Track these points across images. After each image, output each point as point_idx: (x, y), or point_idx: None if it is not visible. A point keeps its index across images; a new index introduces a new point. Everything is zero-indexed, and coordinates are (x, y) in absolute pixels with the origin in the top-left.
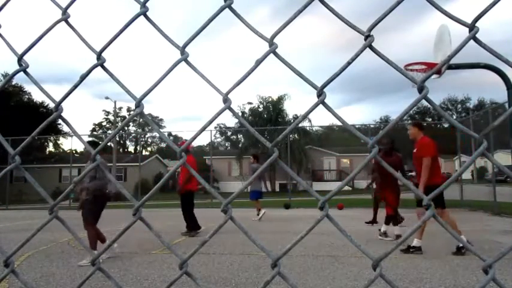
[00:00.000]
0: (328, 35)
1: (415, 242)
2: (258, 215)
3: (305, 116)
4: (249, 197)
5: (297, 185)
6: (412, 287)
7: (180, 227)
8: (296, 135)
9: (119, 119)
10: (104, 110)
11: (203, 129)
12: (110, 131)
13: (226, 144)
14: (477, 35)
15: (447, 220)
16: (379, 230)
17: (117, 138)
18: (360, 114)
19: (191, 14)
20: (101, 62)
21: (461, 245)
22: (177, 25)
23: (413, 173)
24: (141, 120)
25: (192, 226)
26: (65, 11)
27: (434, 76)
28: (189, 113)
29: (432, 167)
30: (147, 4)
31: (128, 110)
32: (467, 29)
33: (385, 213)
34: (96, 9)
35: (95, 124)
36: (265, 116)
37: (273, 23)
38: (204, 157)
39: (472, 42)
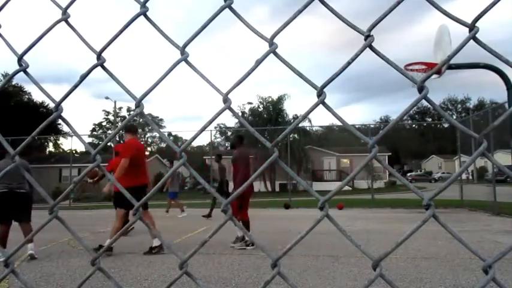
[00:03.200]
0: (328, 34)
1: (155, 242)
2: (182, 211)
3: (305, 116)
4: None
5: (297, 185)
6: (412, 287)
7: (180, 226)
8: (296, 135)
9: (119, 119)
10: (104, 110)
11: (203, 129)
12: (110, 131)
13: (226, 144)
14: (477, 35)
15: (149, 220)
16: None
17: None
18: (360, 114)
19: (191, 14)
20: (101, 62)
21: (154, 245)
22: (177, 25)
23: (413, 173)
24: (141, 120)
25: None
26: (65, 11)
27: (434, 76)
28: (189, 113)
29: (129, 168)
30: (147, 4)
31: (128, 110)
32: (467, 29)
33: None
34: (96, 9)
35: (95, 124)
36: (265, 116)
37: (273, 23)
38: (204, 157)
39: (472, 42)
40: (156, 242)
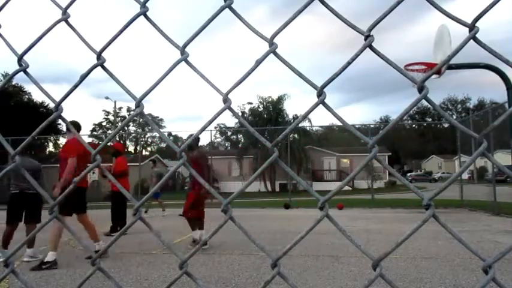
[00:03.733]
0: (328, 34)
1: (49, 257)
2: (163, 210)
3: (305, 116)
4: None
5: (297, 185)
6: (412, 287)
7: (180, 227)
8: (296, 135)
9: (119, 119)
10: (103, 110)
11: (203, 129)
12: (110, 131)
13: (226, 144)
14: (477, 35)
15: (87, 224)
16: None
17: (117, 138)
18: (360, 114)
19: (191, 14)
20: (101, 62)
21: (46, 259)
22: (177, 25)
23: (413, 173)
24: (141, 120)
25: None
26: (65, 11)
27: (434, 76)
28: (189, 113)
29: (77, 167)
30: (147, 4)
31: (128, 110)
32: (467, 29)
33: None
34: (96, 9)
35: (95, 124)
36: (265, 116)
37: (272, 23)
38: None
39: (472, 42)
40: (49, 257)
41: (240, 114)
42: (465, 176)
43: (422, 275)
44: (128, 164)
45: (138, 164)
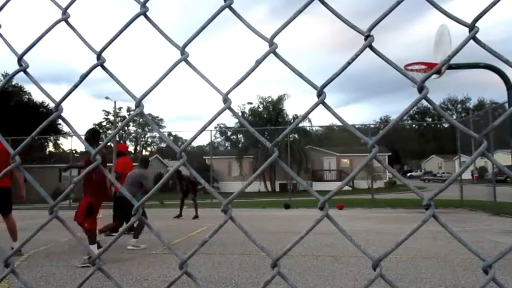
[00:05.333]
0: (328, 34)
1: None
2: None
3: (305, 116)
4: None
5: (297, 185)
6: (412, 287)
7: (180, 227)
8: (296, 135)
9: (119, 119)
10: (104, 110)
11: (203, 129)
12: (110, 131)
13: (226, 144)
14: (477, 35)
15: (11, 224)
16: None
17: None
18: (360, 114)
19: (191, 14)
20: (101, 62)
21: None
22: (177, 25)
23: (413, 173)
24: (141, 120)
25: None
26: (65, 11)
27: (434, 76)
28: (189, 113)
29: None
30: (147, 4)
31: (128, 110)
32: (467, 29)
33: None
34: (96, 9)
35: (95, 124)
36: (265, 116)
37: (272, 23)
38: (204, 157)
39: (472, 42)
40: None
41: (240, 114)
42: (468, 175)
43: (422, 275)
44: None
45: (138, 164)
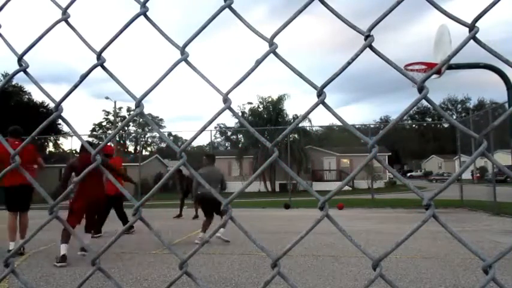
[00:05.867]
0: (328, 34)
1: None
2: None
3: (305, 116)
4: None
5: (297, 185)
6: (412, 287)
7: (180, 227)
8: (296, 135)
9: (119, 119)
10: (103, 110)
11: (203, 129)
12: (110, 131)
13: (226, 144)
14: (477, 35)
15: (26, 222)
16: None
17: (117, 138)
18: (360, 114)
19: (191, 14)
20: (101, 62)
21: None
22: (177, 25)
23: (413, 173)
24: (141, 120)
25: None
26: (65, 11)
27: (434, 76)
28: (189, 113)
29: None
30: (147, 4)
31: (128, 110)
32: (467, 29)
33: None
34: (96, 9)
35: (94, 124)
36: (265, 116)
37: (272, 23)
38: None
39: (472, 42)
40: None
41: (240, 114)
42: (468, 175)
43: (422, 275)
44: (131, 164)
45: (138, 164)
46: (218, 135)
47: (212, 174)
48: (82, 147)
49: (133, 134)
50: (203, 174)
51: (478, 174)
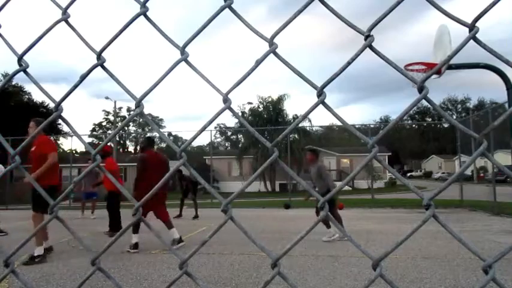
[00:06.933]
0: (328, 34)
1: (37, 251)
2: (92, 213)
3: (305, 116)
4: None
5: (297, 185)
6: (412, 287)
7: (180, 227)
8: (296, 135)
9: (119, 119)
10: (103, 110)
11: (203, 129)
12: (110, 131)
13: (226, 144)
14: (477, 35)
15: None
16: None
17: (117, 138)
18: (360, 114)
19: (191, 14)
20: (101, 62)
21: (36, 253)
22: (177, 25)
23: (413, 173)
24: (141, 120)
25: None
26: (65, 11)
27: (434, 76)
28: (189, 113)
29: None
30: (147, 4)
31: (128, 110)
32: (467, 29)
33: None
34: (96, 9)
35: (94, 124)
36: (265, 116)
37: (272, 23)
38: (204, 157)
39: (472, 42)
40: (38, 252)
41: (240, 114)
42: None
43: (422, 275)
44: (131, 164)
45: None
46: (218, 135)
47: (319, 169)
48: (146, 143)
49: (133, 134)
50: (316, 171)
51: (482, 174)
